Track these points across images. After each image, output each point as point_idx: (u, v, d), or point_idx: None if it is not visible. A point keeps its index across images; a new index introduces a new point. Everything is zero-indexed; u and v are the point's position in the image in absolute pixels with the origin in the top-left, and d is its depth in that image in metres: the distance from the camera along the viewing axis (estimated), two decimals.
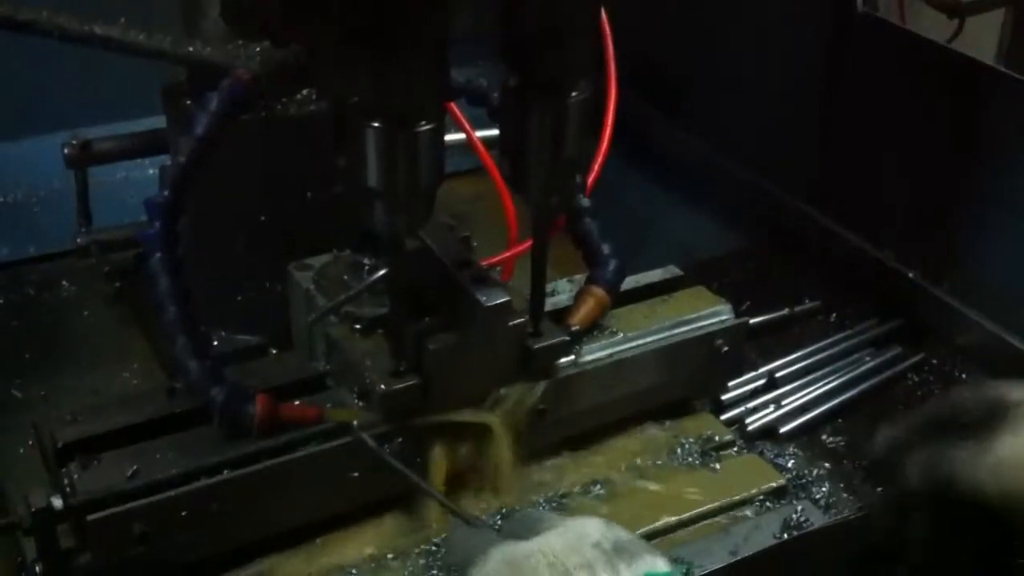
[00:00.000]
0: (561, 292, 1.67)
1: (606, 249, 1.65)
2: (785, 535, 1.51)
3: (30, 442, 1.49)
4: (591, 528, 1.02)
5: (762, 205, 2.31)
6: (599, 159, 1.78)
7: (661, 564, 0.99)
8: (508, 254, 1.82)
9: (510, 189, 1.69)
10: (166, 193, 1.38)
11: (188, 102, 1.75)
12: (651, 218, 2.40)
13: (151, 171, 2.10)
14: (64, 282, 2.12)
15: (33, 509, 1.27)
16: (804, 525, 1.52)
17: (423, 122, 1.25)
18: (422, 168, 1.27)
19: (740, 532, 1.51)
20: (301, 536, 1.43)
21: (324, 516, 1.44)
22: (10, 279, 2.12)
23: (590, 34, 1.38)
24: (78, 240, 1.99)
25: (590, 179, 1.77)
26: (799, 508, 1.55)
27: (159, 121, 1.89)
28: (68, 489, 1.30)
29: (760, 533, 1.51)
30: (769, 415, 1.74)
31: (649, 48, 2.51)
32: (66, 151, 1.94)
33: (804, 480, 1.63)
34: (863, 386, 1.83)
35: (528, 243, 1.62)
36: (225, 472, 1.35)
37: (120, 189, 2.22)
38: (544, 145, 1.36)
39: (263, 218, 1.76)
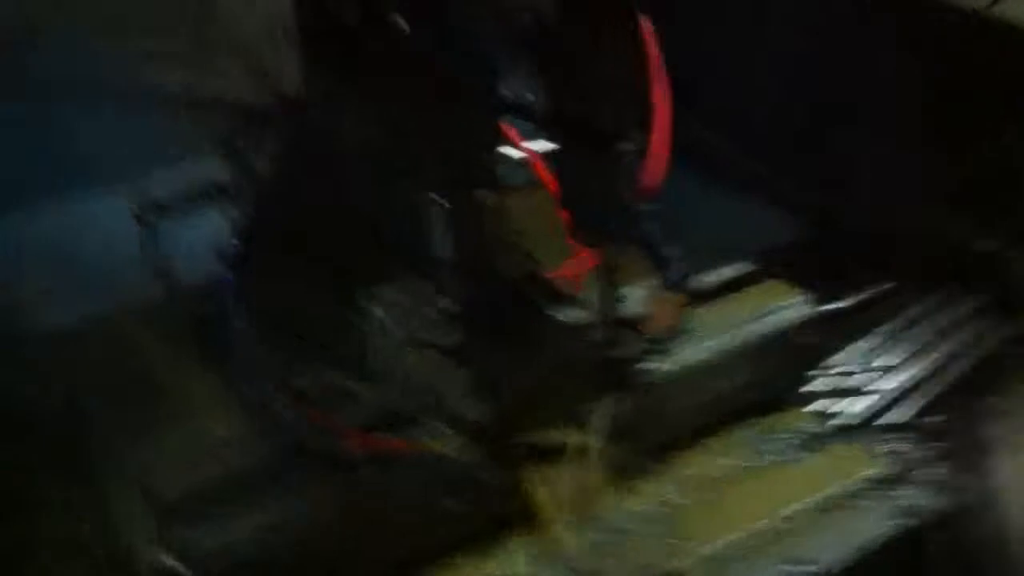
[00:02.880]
0: (632, 298, 1.65)
1: (670, 251, 1.63)
2: (897, 521, 1.48)
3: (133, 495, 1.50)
4: None
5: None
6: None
7: None
8: (573, 267, 1.80)
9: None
10: (235, 242, 1.39)
11: (243, 145, 1.76)
12: (699, 214, 2.34)
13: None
14: (139, 334, 2.13)
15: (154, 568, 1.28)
16: (914, 511, 1.49)
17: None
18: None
19: (851, 523, 1.49)
20: (405, 571, 1.43)
21: (424, 550, 1.43)
22: (91, 336, 2.14)
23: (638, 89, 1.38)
24: (153, 291, 2.00)
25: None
26: (905, 494, 1.52)
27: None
28: (179, 547, 1.31)
29: (870, 522, 1.49)
30: (859, 403, 1.70)
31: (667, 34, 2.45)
32: (134, 209, 1.95)
33: (907, 465, 1.59)
34: (957, 365, 1.78)
35: (589, 251, 1.60)
36: (327, 511, 1.35)
37: (187, 235, 2.23)
38: (598, 197, 1.35)
39: (330, 252, 1.76)
